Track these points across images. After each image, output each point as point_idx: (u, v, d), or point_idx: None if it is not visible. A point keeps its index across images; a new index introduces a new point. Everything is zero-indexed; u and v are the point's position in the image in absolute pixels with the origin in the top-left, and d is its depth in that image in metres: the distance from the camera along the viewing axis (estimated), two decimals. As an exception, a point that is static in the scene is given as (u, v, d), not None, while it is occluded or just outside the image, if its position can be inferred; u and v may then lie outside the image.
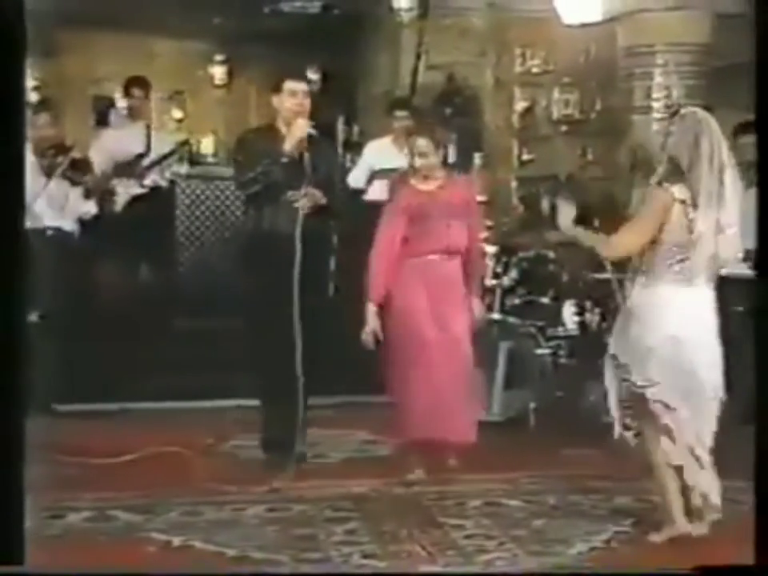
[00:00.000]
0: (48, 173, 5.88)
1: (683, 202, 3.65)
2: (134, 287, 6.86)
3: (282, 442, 4.60)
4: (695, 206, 3.65)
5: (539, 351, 5.53)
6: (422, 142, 4.64)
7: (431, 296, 4.57)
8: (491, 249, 5.86)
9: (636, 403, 3.78)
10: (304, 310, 4.53)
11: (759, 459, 3.06)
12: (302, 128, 4.58)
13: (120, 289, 6.91)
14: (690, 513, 3.77)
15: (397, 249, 4.61)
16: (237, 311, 5.08)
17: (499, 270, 5.77)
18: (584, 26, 7.51)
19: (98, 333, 6.17)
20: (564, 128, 8.30)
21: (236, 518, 4.03)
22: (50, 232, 5.88)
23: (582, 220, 6.12)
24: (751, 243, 4.86)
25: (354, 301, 7.18)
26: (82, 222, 6.18)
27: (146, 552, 3.65)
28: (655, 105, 7.48)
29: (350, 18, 8.68)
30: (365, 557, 3.59)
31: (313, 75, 8.73)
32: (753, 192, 5.34)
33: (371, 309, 4.59)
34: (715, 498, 3.74)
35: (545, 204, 6.56)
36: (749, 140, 5.47)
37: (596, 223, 5.96)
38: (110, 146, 6.86)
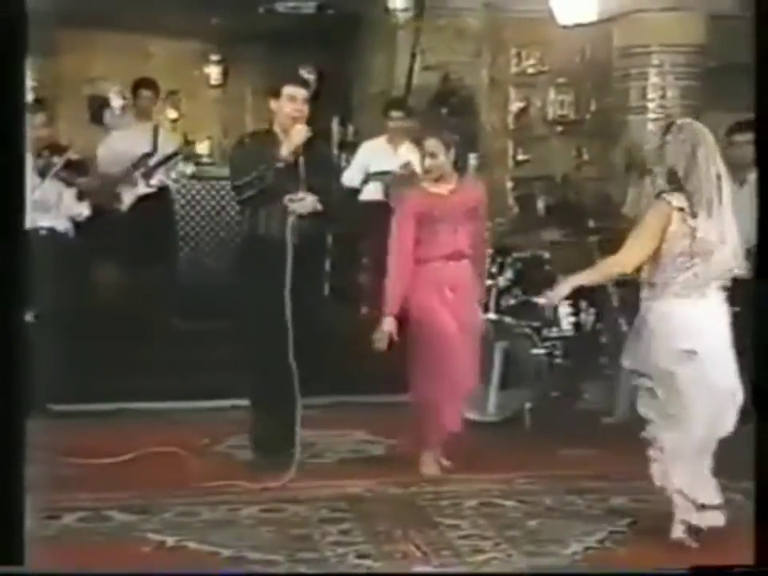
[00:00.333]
0: (42, 173, 5.88)
1: (681, 209, 3.69)
2: (130, 287, 6.85)
3: (273, 444, 4.60)
4: (694, 214, 3.69)
5: (535, 351, 5.54)
6: (432, 142, 4.65)
7: (442, 299, 4.61)
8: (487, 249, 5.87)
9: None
10: (299, 310, 4.52)
11: (759, 459, 3.06)
12: (300, 134, 4.57)
13: (116, 289, 6.91)
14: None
15: (411, 254, 4.64)
16: (233, 312, 5.08)
17: (494, 270, 5.77)
18: (579, 26, 7.51)
19: (94, 333, 6.16)
20: (559, 128, 8.31)
21: (231, 519, 4.02)
22: (43, 232, 5.87)
23: (579, 220, 6.15)
24: (744, 243, 4.89)
25: (350, 301, 7.23)
26: (78, 223, 6.17)
27: (141, 552, 3.64)
28: (650, 105, 7.49)
29: (346, 19, 8.67)
30: (360, 557, 3.59)
31: (308, 75, 8.75)
32: (747, 190, 5.39)
33: (388, 319, 4.62)
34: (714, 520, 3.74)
35: (540, 204, 6.58)
36: (743, 138, 5.49)
37: (591, 224, 5.99)
38: (118, 146, 6.85)
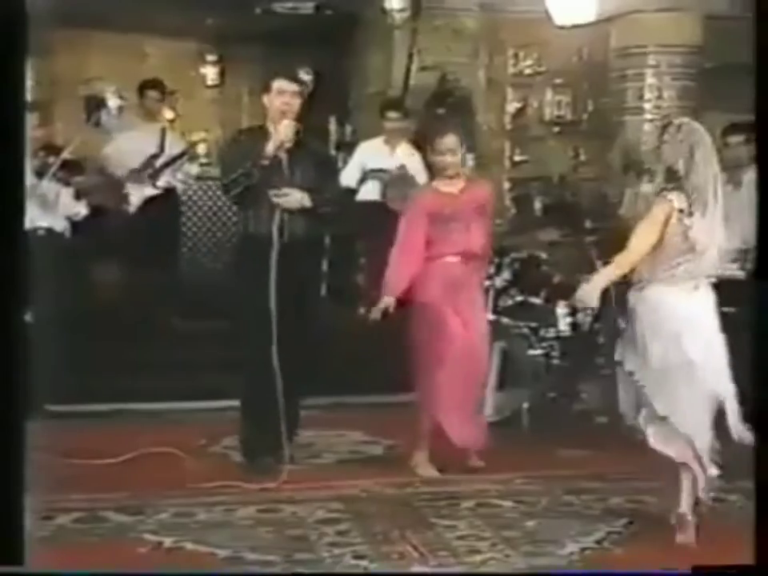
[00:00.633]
0: (39, 173, 5.87)
1: (681, 210, 3.75)
2: (128, 288, 6.84)
3: (261, 447, 4.60)
4: (690, 213, 3.74)
5: (532, 352, 5.53)
6: (451, 139, 4.66)
7: (450, 298, 4.61)
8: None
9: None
10: (296, 310, 4.51)
11: (759, 459, 3.06)
12: (287, 129, 4.54)
13: (114, 290, 6.90)
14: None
15: (420, 250, 4.65)
16: (229, 312, 5.08)
17: (492, 270, 5.77)
18: (576, 27, 7.51)
19: (91, 333, 6.15)
20: (556, 129, 8.31)
21: (228, 519, 4.02)
22: (41, 232, 5.86)
23: (576, 220, 6.15)
24: (739, 243, 4.90)
25: (347, 301, 7.23)
26: (78, 222, 6.16)
27: (137, 553, 3.63)
28: (647, 106, 7.50)
29: (343, 19, 8.67)
30: (356, 557, 3.59)
31: (305, 76, 8.74)
32: (742, 191, 5.39)
33: (387, 298, 4.64)
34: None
35: (537, 205, 6.57)
36: (737, 140, 5.50)
37: (588, 224, 5.99)
38: (126, 146, 6.85)
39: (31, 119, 5.97)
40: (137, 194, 6.74)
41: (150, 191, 6.76)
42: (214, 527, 3.91)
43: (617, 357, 3.92)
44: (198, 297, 6.71)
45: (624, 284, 5.07)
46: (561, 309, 5.59)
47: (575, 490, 4.41)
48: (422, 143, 7.29)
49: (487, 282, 5.66)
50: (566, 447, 5.02)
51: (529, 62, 8.26)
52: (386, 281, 4.71)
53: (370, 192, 6.98)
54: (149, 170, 6.74)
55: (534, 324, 5.60)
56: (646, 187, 5.73)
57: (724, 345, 3.78)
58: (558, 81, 8.25)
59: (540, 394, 5.46)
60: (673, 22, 7.37)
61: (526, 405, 5.42)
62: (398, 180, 6.85)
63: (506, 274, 5.86)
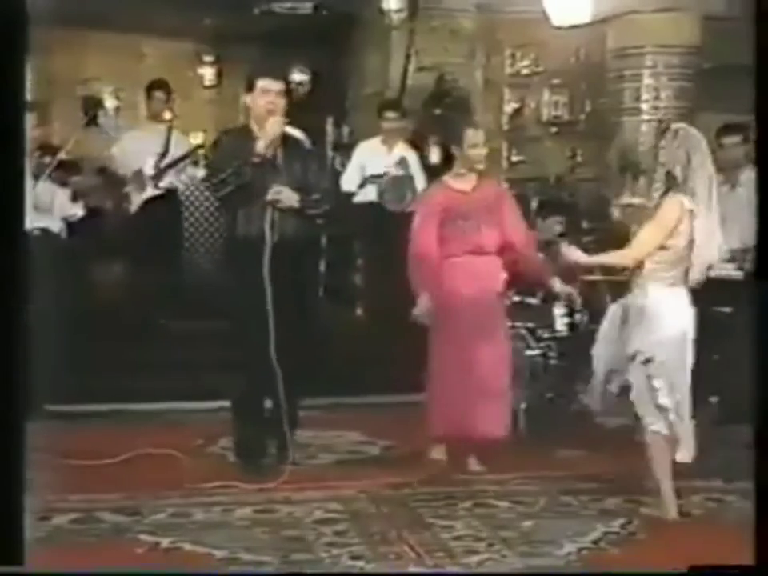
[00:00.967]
0: (36, 173, 5.86)
1: (691, 211, 3.86)
2: (125, 289, 6.84)
3: (256, 447, 4.59)
4: (694, 215, 3.87)
5: (529, 352, 5.53)
6: (471, 132, 4.67)
7: (466, 294, 4.61)
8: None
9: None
10: (293, 311, 4.50)
11: (759, 459, 3.07)
12: (275, 126, 4.49)
13: (111, 290, 6.90)
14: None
15: (434, 247, 4.65)
16: (225, 313, 5.07)
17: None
18: (573, 27, 7.51)
19: (89, 334, 6.15)
20: (553, 129, 8.31)
21: (225, 520, 4.01)
22: (36, 233, 5.85)
23: (573, 221, 6.14)
24: (736, 244, 4.91)
25: (345, 302, 7.23)
26: (76, 222, 6.16)
27: (134, 553, 3.63)
28: (644, 107, 7.49)
29: (340, 20, 8.67)
30: (354, 558, 3.58)
31: (302, 75, 8.75)
32: (739, 192, 5.39)
33: (423, 297, 4.64)
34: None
35: (534, 205, 6.57)
36: (731, 141, 5.51)
37: (584, 224, 5.99)
38: (131, 146, 6.84)
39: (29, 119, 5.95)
40: (138, 195, 6.73)
41: (151, 192, 6.76)
42: (212, 528, 3.91)
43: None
44: (195, 297, 6.70)
45: (618, 285, 5.08)
46: (558, 309, 5.59)
47: (572, 490, 4.41)
48: (419, 143, 7.32)
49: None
50: (564, 447, 5.01)
51: (526, 63, 8.26)
52: (412, 278, 4.69)
53: (367, 193, 6.98)
54: (152, 170, 6.73)
55: (531, 324, 5.60)
56: (633, 199, 5.78)
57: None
58: (555, 81, 8.25)
59: (537, 394, 5.45)
60: (670, 22, 7.36)
61: (523, 405, 5.41)
62: (395, 181, 6.85)
63: (503, 275, 5.85)
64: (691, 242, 3.88)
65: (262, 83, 4.58)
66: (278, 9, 8.55)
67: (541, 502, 4.26)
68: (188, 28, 8.96)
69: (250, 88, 4.64)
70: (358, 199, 7.02)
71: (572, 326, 5.64)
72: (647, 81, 7.46)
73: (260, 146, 4.47)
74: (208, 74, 9.64)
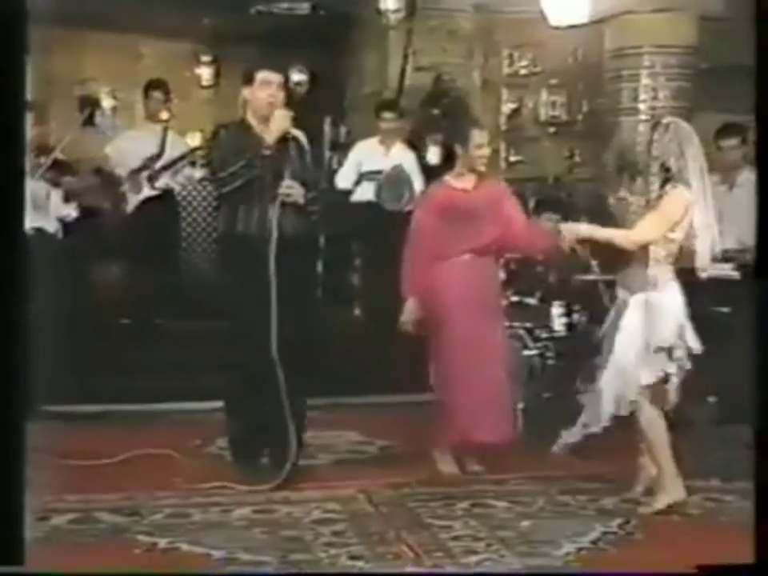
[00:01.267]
0: (30, 173, 5.84)
1: (690, 204, 3.90)
2: (123, 289, 6.83)
3: (252, 448, 4.58)
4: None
5: (527, 352, 5.53)
6: (477, 132, 4.67)
7: (466, 296, 4.60)
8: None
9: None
10: (291, 311, 4.49)
11: (759, 459, 3.07)
12: (284, 119, 4.44)
13: (109, 291, 6.89)
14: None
15: (432, 247, 4.63)
16: (224, 312, 5.06)
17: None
18: (571, 27, 7.52)
19: (86, 334, 6.14)
20: (551, 129, 8.31)
21: (223, 520, 4.01)
22: (31, 232, 5.84)
23: (570, 221, 6.13)
24: (734, 244, 4.92)
25: (342, 302, 7.22)
26: (72, 223, 6.14)
27: (132, 554, 3.63)
28: (642, 107, 7.50)
29: (338, 20, 8.67)
30: (352, 558, 3.58)
31: (301, 76, 8.75)
32: (737, 192, 5.40)
33: (409, 303, 4.65)
34: None
35: (532, 205, 6.57)
36: (729, 143, 5.51)
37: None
38: (127, 146, 6.83)
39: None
40: (134, 195, 6.72)
41: (147, 192, 6.74)
42: (210, 528, 3.91)
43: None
44: (192, 297, 6.70)
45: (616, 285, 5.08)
46: (556, 309, 5.59)
47: (570, 490, 4.41)
48: (417, 143, 7.32)
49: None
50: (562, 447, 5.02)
51: (524, 63, 8.26)
52: (402, 280, 4.69)
53: (365, 193, 6.98)
54: (148, 171, 6.72)
55: (528, 324, 5.60)
56: (630, 197, 5.78)
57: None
58: (553, 81, 8.26)
59: (535, 394, 5.46)
60: (667, 22, 7.36)
61: (521, 405, 5.41)
62: (392, 180, 6.85)
63: (501, 275, 5.85)
64: (689, 234, 3.92)
65: (261, 75, 4.51)
66: (275, 9, 8.56)
67: (539, 502, 4.26)
68: (186, 28, 8.95)
69: (248, 81, 4.56)
70: (355, 199, 7.02)
71: (570, 326, 5.64)
72: (645, 81, 7.46)
73: (270, 138, 4.41)
74: (205, 74, 9.63)
